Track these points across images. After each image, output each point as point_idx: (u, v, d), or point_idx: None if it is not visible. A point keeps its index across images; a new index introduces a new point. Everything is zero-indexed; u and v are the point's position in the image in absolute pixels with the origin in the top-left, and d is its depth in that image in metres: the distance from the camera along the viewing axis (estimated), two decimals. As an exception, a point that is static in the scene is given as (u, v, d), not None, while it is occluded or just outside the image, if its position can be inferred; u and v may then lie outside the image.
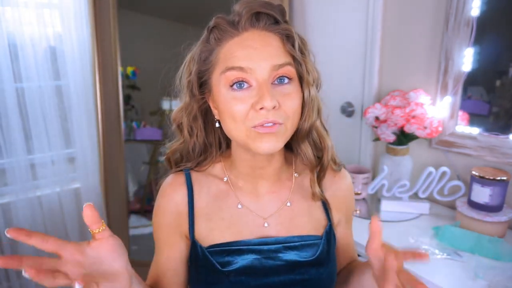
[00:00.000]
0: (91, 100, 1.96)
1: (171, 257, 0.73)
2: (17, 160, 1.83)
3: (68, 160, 2.03)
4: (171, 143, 0.77)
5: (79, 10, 1.85)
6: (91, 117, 1.98)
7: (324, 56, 1.82)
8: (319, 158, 0.72)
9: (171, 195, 0.73)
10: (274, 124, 0.60)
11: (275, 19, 0.64)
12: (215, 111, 0.68)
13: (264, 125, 0.60)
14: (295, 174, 0.76)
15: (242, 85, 0.61)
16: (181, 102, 0.71)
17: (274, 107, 0.59)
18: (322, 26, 1.81)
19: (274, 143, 0.61)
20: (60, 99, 1.93)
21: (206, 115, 0.73)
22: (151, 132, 2.74)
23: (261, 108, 0.59)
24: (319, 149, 0.72)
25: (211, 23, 0.65)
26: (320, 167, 0.72)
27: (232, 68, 0.60)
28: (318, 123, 0.70)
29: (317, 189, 0.72)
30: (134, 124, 2.69)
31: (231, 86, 0.61)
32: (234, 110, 0.61)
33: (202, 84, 0.68)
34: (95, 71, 1.90)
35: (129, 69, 2.64)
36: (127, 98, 2.69)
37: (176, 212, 0.72)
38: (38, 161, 1.92)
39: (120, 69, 1.95)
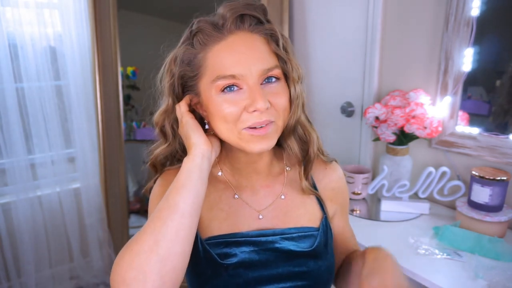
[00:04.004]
0: (91, 100, 1.96)
1: None
2: (17, 160, 1.84)
3: (68, 160, 2.03)
4: (154, 147, 0.77)
5: (79, 10, 1.85)
6: (91, 117, 1.98)
7: (324, 56, 1.82)
8: (306, 151, 0.74)
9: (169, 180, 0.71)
10: (267, 124, 0.62)
11: (259, 20, 0.65)
12: (204, 114, 0.69)
13: (257, 126, 0.62)
14: (287, 168, 0.78)
15: (233, 88, 0.62)
16: (163, 104, 0.71)
17: (267, 108, 0.61)
18: (322, 26, 1.81)
19: (267, 143, 0.64)
20: (60, 99, 1.93)
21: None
22: (151, 132, 2.73)
23: (254, 111, 0.61)
24: (305, 142, 0.74)
25: (194, 27, 0.64)
26: (307, 160, 0.74)
27: (224, 77, 0.61)
28: (302, 117, 0.71)
29: (304, 184, 0.74)
30: (134, 124, 2.69)
31: (222, 90, 0.62)
32: (226, 113, 0.62)
33: (185, 87, 0.68)
34: (95, 71, 1.90)
35: (129, 69, 2.64)
36: (127, 98, 2.69)
37: None
38: (38, 161, 1.92)
39: (120, 69, 1.95)
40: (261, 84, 0.63)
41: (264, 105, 0.60)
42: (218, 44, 0.63)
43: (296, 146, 0.73)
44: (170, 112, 0.70)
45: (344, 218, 0.84)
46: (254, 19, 0.64)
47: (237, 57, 0.61)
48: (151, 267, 0.53)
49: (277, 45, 0.65)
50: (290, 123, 0.69)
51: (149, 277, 0.52)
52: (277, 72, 0.64)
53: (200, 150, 0.63)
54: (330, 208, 0.79)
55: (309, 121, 0.74)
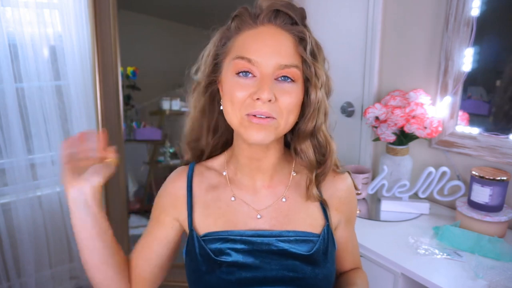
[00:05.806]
0: (91, 100, 1.96)
1: (156, 235, 0.77)
2: (17, 160, 1.84)
3: (68, 160, 2.03)
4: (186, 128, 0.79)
5: (79, 10, 1.85)
6: (91, 117, 1.98)
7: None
8: (322, 161, 0.73)
9: (173, 178, 0.79)
10: (267, 117, 0.63)
11: (293, 20, 0.66)
12: (222, 94, 0.70)
13: (257, 116, 0.63)
14: (293, 173, 0.76)
15: (248, 74, 0.64)
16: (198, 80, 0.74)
17: (269, 100, 0.62)
18: (322, 26, 1.81)
19: (264, 136, 0.63)
20: (60, 99, 1.93)
21: (213, 100, 0.75)
22: (151, 132, 2.74)
23: (257, 99, 0.62)
24: (323, 153, 0.72)
25: (236, 12, 0.68)
26: (322, 169, 0.73)
27: (241, 58, 0.64)
28: (324, 126, 0.70)
29: (314, 191, 0.72)
30: (134, 124, 2.69)
31: (237, 73, 0.64)
32: (234, 95, 0.64)
33: (215, 67, 0.71)
34: (95, 71, 1.90)
35: (129, 69, 2.64)
36: (127, 98, 2.69)
37: (174, 194, 0.76)
38: (38, 161, 1.92)
39: (120, 69, 1.95)
40: (277, 79, 0.64)
41: (268, 96, 0.61)
42: (249, 31, 0.66)
43: (311, 152, 0.71)
44: (204, 86, 0.72)
45: (349, 230, 0.81)
46: (289, 19, 0.66)
47: (260, 45, 0.64)
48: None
49: (304, 49, 0.66)
50: (306, 128, 0.68)
51: None
52: (294, 72, 0.64)
53: (70, 200, 0.72)
54: (335, 218, 0.76)
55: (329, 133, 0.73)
